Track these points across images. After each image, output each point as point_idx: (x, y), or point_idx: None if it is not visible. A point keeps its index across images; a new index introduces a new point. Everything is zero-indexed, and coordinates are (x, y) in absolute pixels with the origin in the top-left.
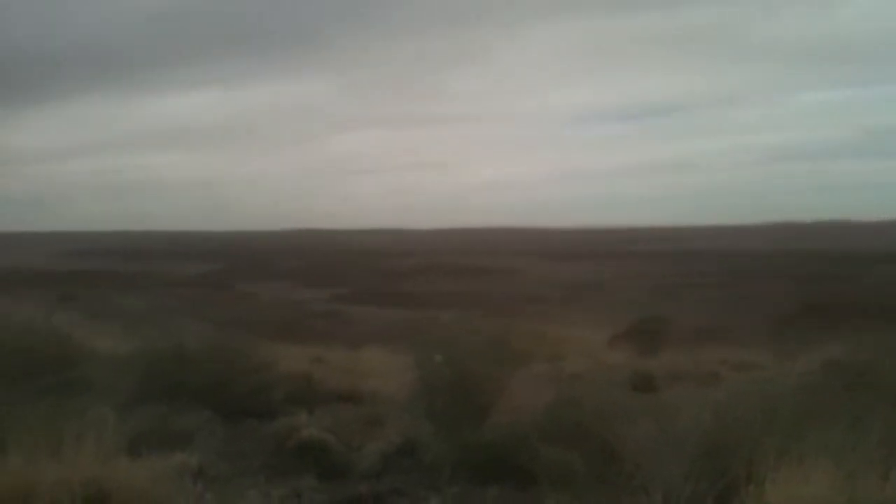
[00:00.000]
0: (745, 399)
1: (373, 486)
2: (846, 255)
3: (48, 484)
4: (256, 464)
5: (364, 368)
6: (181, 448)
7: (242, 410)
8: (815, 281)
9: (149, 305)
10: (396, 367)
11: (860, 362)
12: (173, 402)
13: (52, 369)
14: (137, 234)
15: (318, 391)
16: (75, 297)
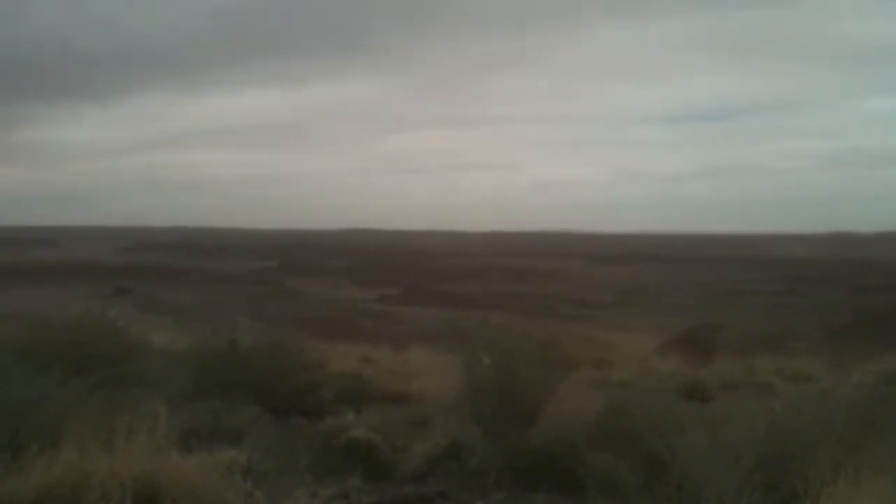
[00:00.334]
0: (801, 411)
1: (418, 489)
2: None
3: (100, 476)
4: (304, 462)
5: (411, 369)
6: (231, 444)
7: (291, 408)
8: (872, 291)
9: (201, 301)
10: (443, 368)
11: None
12: (224, 398)
13: (106, 363)
14: (191, 230)
15: (366, 391)
16: (129, 291)
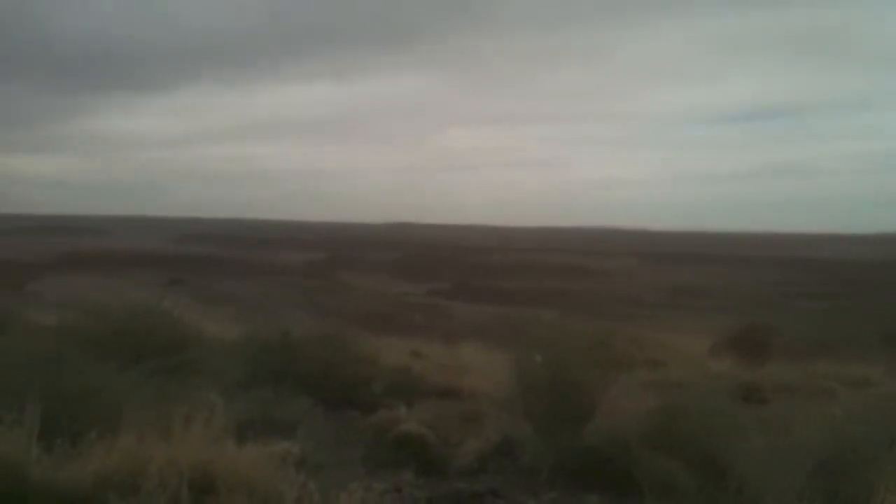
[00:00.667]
0: (863, 417)
1: (470, 485)
2: None
3: (158, 464)
4: (357, 455)
5: (462, 364)
6: (284, 435)
7: (344, 400)
8: None
9: (254, 291)
10: (494, 364)
11: None
12: (278, 389)
13: (162, 352)
14: (244, 221)
15: (417, 385)
16: (184, 281)
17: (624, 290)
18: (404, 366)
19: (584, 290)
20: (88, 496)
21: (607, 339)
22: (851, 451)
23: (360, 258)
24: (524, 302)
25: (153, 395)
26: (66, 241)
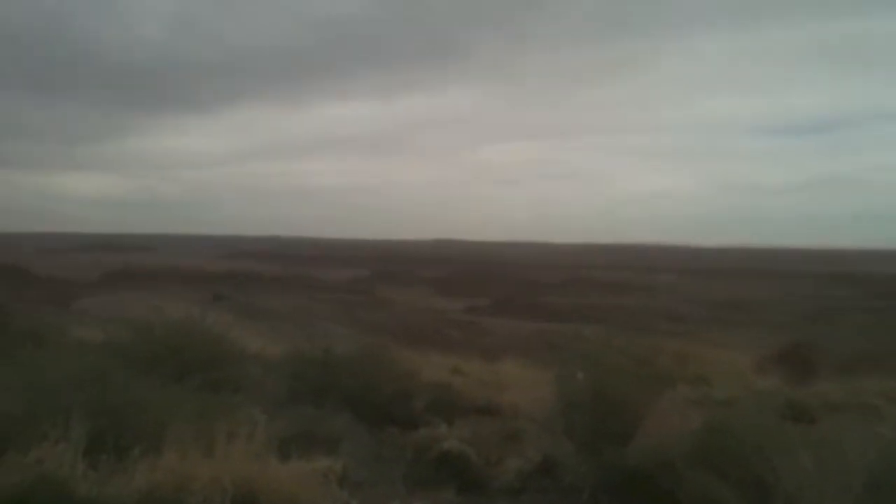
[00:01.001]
0: None
1: None
2: None
3: (202, 481)
4: (397, 472)
5: (502, 381)
6: (326, 452)
7: (384, 417)
8: None
9: (296, 308)
10: (535, 381)
11: None
12: (319, 406)
13: (205, 368)
14: (286, 239)
15: (457, 402)
16: (228, 297)
17: (667, 305)
18: (445, 382)
19: (627, 305)
20: None
21: (650, 355)
22: None
23: (402, 275)
24: (566, 318)
25: (197, 411)
26: (113, 259)
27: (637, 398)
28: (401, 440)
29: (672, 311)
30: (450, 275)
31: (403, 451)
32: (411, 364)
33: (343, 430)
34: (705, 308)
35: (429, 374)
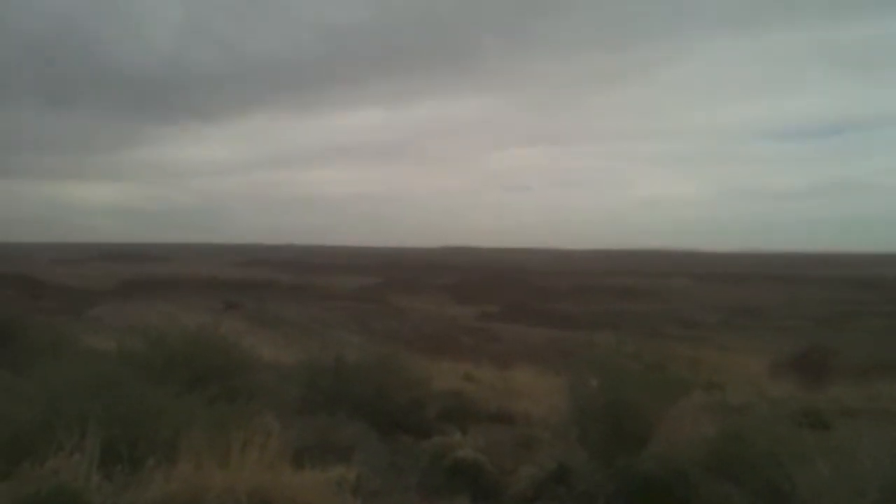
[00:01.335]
0: None
1: None
2: None
3: (216, 491)
4: (411, 481)
5: (515, 388)
6: (340, 460)
7: (397, 425)
8: None
9: (309, 316)
10: (547, 389)
11: None
12: (333, 414)
13: (219, 377)
14: (299, 247)
15: (470, 409)
16: (241, 305)
17: (680, 311)
18: (457, 390)
19: (640, 311)
20: None
21: (663, 361)
22: None
23: (413, 282)
24: (578, 324)
25: (211, 420)
26: (126, 268)
27: (650, 405)
28: (414, 448)
29: (684, 316)
30: (461, 282)
31: (417, 459)
32: (424, 372)
33: (356, 439)
34: (717, 313)
35: (441, 382)
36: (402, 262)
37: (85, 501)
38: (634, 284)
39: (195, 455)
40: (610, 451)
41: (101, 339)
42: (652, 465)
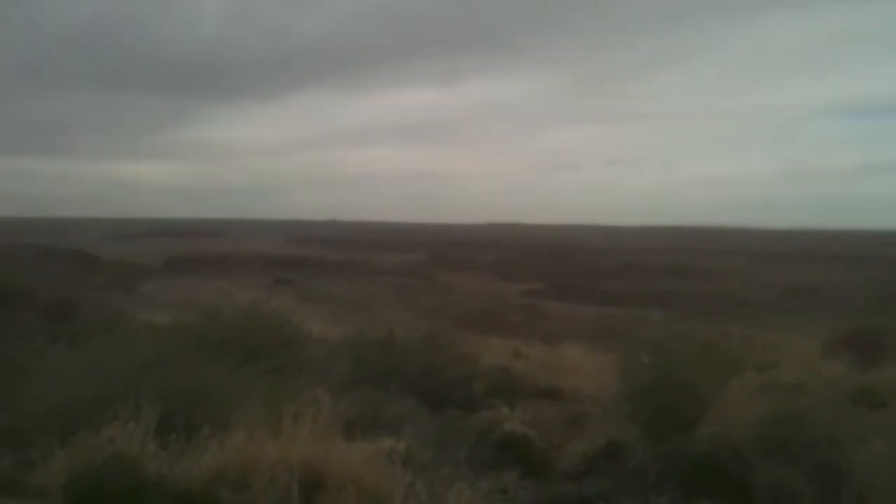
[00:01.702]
0: None
1: (577, 488)
2: None
3: (268, 461)
4: (461, 454)
5: (563, 365)
6: (390, 433)
7: (446, 399)
8: None
9: (357, 292)
10: (596, 366)
11: None
12: (382, 388)
13: (271, 351)
14: (347, 224)
15: (519, 385)
16: (290, 281)
17: (733, 290)
18: (505, 365)
19: (692, 290)
20: (201, 491)
21: (715, 340)
22: None
23: (462, 259)
24: (629, 302)
25: (263, 393)
26: (178, 244)
27: (703, 384)
28: (463, 422)
29: (738, 295)
30: (508, 259)
31: (466, 433)
32: (472, 348)
33: (406, 413)
34: (772, 292)
35: (490, 358)
36: (449, 239)
37: (140, 468)
38: (686, 262)
39: (248, 426)
40: (661, 430)
41: (155, 313)
42: (705, 444)
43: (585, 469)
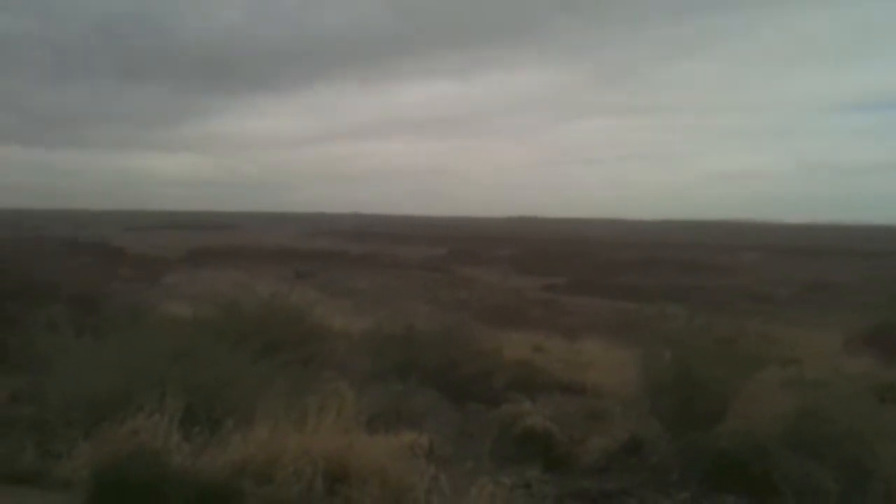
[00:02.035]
0: None
1: (599, 483)
2: None
3: (292, 453)
4: (483, 448)
5: (584, 360)
6: (412, 427)
7: (467, 393)
8: None
9: (377, 285)
10: (617, 361)
11: None
12: (404, 382)
13: (293, 344)
14: (365, 217)
15: (539, 380)
16: (310, 274)
17: (750, 285)
18: (526, 360)
19: (708, 285)
20: (225, 484)
21: (736, 335)
22: None
23: (481, 253)
24: (647, 297)
25: (286, 385)
26: (198, 236)
27: (725, 379)
28: (485, 416)
29: (757, 290)
30: (527, 252)
31: (488, 427)
32: (493, 342)
33: (428, 406)
34: (790, 288)
35: (510, 352)
36: (469, 233)
37: (164, 460)
38: (704, 257)
39: (272, 419)
40: (683, 425)
41: (177, 305)
42: (728, 440)
43: (607, 464)
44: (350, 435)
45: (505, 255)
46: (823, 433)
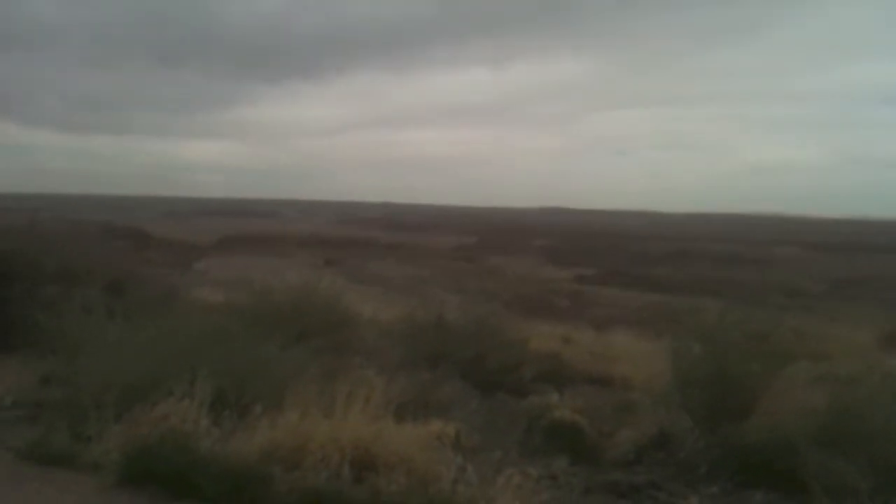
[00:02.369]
0: None
1: (627, 477)
2: None
3: (320, 441)
4: (510, 439)
5: (613, 352)
6: (439, 417)
7: (495, 384)
8: None
9: (407, 274)
10: (647, 354)
11: None
12: (432, 371)
13: (323, 331)
14: (397, 206)
15: (567, 371)
16: (340, 262)
17: (785, 279)
18: (555, 351)
19: (742, 278)
20: (254, 469)
21: (768, 330)
22: None
23: (510, 242)
24: (679, 290)
25: (315, 372)
26: (231, 223)
27: (756, 374)
28: (512, 408)
29: (790, 284)
30: (558, 243)
31: (515, 418)
32: (522, 333)
33: (456, 396)
34: (827, 283)
35: (539, 343)
36: (499, 223)
37: (193, 444)
38: (738, 250)
39: (301, 405)
40: (713, 420)
41: (208, 291)
42: (758, 436)
43: (635, 458)
44: (378, 423)
45: (536, 246)
46: (854, 430)
